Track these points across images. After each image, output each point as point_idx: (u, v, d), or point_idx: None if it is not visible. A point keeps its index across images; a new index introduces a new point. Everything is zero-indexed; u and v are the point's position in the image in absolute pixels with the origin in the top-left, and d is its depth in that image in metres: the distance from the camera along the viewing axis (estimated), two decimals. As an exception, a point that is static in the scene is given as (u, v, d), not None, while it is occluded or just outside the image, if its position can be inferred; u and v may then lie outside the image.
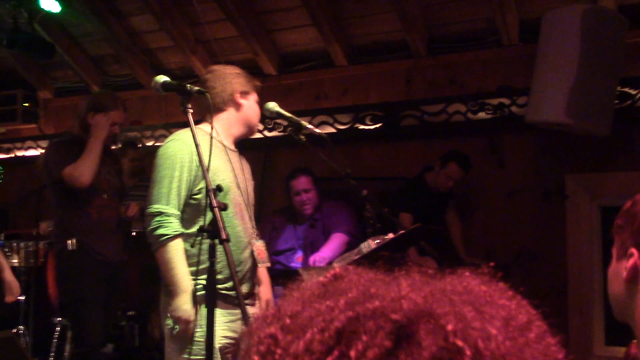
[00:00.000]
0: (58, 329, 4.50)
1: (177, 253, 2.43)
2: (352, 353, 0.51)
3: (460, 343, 0.51)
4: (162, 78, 2.36)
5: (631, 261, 1.25)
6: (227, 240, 2.05)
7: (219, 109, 2.68)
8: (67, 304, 3.84)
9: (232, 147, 2.72)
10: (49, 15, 5.12)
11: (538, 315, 0.60)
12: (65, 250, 3.57)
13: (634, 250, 1.25)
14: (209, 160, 2.32)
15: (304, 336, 0.54)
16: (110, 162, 3.81)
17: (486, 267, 0.65)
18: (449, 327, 0.52)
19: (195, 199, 2.50)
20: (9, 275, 3.69)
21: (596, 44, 3.78)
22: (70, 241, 3.56)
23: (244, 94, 2.71)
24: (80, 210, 3.57)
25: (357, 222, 4.11)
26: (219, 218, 2.08)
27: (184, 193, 2.49)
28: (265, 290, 2.77)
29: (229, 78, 2.69)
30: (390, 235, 2.68)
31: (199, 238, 2.41)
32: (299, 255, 4.15)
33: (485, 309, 0.56)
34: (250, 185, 2.77)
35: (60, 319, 4.46)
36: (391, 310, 0.53)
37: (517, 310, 0.58)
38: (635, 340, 1.38)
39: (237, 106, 2.69)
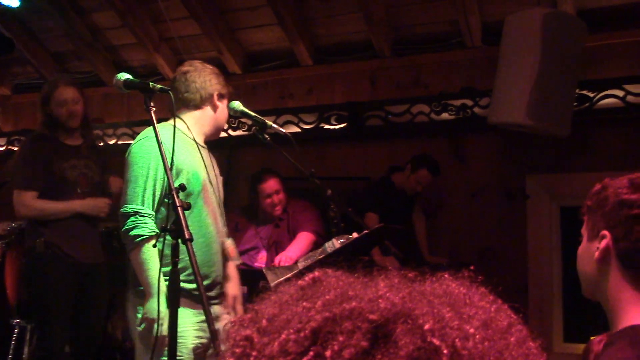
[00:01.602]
0: (16, 330, 4.40)
1: (152, 254, 2.38)
2: (328, 353, 0.51)
3: (437, 342, 0.51)
4: (124, 75, 2.31)
5: (603, 242, 1.33)
6: (190, 240, 2.03)
7: (195, 106, 2.65)
8: (29, 306, 3.73)
9: (203, 144, 2.70)
10: (7, 9, 5.00)
11: (519, 319, 0.60)
12: (33, 250, 3.45)
13: (606, 232, 1.33)
14: (172, 157, 2.29)
15: (279, 337, 0.53)
16: (90, 154, 3.64)
17: (466, 271, 0.64)
18: (426, 327, 0.52)
19: (169, 198, 2.47)
20: None
21: (556, 47, 3.86)
22: (38, 241, 3.43)
23: (222, 96, 2.70)
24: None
25: (322, 221, 4.10)
26: (183, 217, 2.05)
27: (158, 192, 2.45)
28: (232, 286, 2.74)
29: (210, 77, 2.67)
30: (355, 235, 2.69)
31: (162, 238, 2.37)
32: (262, 254, 4.12)
33: (464, 310, 0.56)
34: (220, 181, 2.75)
35: (18, 320, 4.36)
36: (368, 311, 0.53)
37: (497, 313, 0.58)
38: (594, 338, 1.42)
39: (214, 107, 2.67)
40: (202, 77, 2.65)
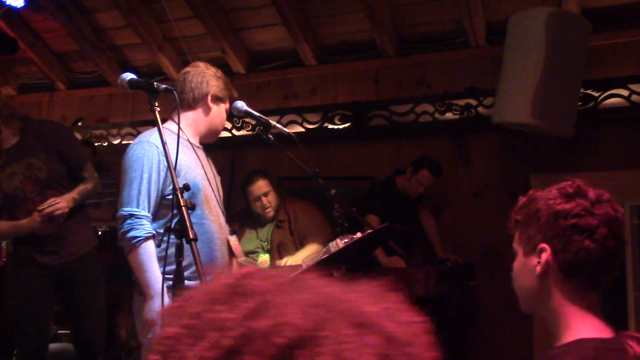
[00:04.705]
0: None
1: (149, 255, 2.39)
2: None
3: None
4: (128, 75, 2.31)
5: (544, 256, 1.31)
6: (195, 239, 2.03)
7: (189, 107, 2.64)
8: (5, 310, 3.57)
9: (198, 144, 2.70)
10: (11, 10, 5.01)
11: (426, 336, 0.59)
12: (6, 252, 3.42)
13: (544, 245, 1.31)
14: (176, 158, 2.30)
15: (194, 348, 0.55)
16: (31, 144, 3.25)
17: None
18: (323, 355, 0.53)
19: (167, 200, 2.47)
20: None
21: (560, 47, 3.85)
22: (6, 242, 3.38)
23: (217, 99, 2.66)
24: (10, 218, 3.27)
25: (328, 223, 4.04)
26: (187, 217, 2.05)
27: (154, 194, 2.46)
28: None
29: (207, 78, 2.64)
30: (359, 235, 2.68)
31: (165, 238, 2.38)
32: (263, 258, 4.06)
33: (363, 329, 0.56)
34: (218, 180, 2.76)
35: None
36: (277, 333, 0.54)
37: (401, 329, 0.58)
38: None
39: (207, 109, 2.65)
40: (199, 78, 2.63)
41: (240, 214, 4.31)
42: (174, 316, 0.58)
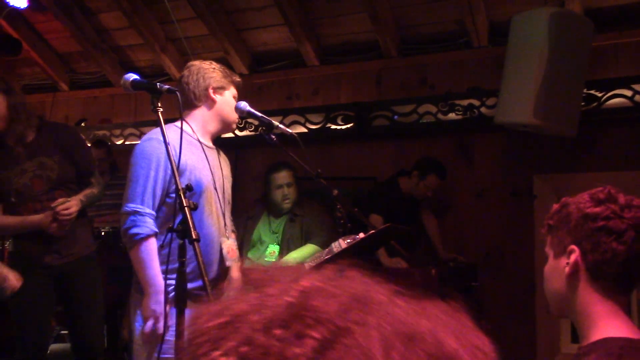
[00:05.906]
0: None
1: (150, 252, 2.41)
2: None
3: None
4: (132, 76, 2.32)
5: (573, 257, 1.36)
6: (197, 240, 2.04)
7: (194, 106, 2.65)
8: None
9: (209, 144, 2.70)
10: (15, 10, 5.03)
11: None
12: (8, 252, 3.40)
13: (574, 247, 1.36)
14: (180, 159, 2.30)
15: None
16: (45, 145, 3.25)
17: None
18: None
19: (171, 198, 2.48)
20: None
21: (563, 47, 3.84)
22: (8, 242, 3.37)
23: (218, 89, 2.67)
24: (13, 213, 3.25)
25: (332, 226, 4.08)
26: (189, 218, 2.06)
27: (159, 192, 2.47)
28: (233, 286, 2.74)
29: (203, 73, 2.66)
30: (361, 235, 2.68)
31: (169, 237, 2.38)
32: (271, 249, 4.13)
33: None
34: (227, 182, 2.75)
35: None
36: None
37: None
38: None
39: (211, 102, 2.66)
40: (195, 76, 2.65)
41: (259, 201, 4.39)
42: (218, 337, 0.49)
